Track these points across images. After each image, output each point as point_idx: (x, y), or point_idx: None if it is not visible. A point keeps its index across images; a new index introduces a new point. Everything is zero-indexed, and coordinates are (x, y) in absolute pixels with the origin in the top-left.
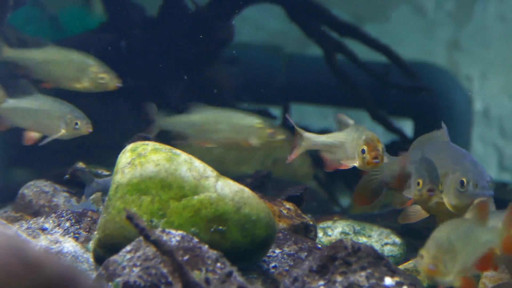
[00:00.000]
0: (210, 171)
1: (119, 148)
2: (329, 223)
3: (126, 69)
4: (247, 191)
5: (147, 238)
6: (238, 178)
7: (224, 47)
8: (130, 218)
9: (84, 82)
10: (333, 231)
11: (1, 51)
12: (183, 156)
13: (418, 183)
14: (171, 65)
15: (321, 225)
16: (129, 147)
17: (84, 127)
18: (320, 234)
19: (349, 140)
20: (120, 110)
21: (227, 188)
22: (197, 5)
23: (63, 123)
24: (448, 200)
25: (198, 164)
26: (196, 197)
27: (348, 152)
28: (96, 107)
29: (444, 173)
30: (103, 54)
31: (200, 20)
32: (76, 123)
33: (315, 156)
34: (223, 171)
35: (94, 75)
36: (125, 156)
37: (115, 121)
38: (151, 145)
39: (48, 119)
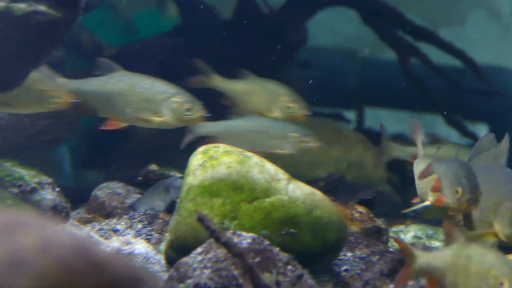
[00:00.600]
0: (281, 174)
1: (191, 151)
2: (402, 227)
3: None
4: (318, 194)
5: (217, 240)
6: (311, 181)
7: (297, 50)
8: (201, 220)
9: (275, 112)
10: (405, 235)
11: (212, 80)
12: (255, 158)
13: (457, 191)
14: (244, 67)
15: (393, 229)
16: (201, 149)
17: (198, 112)
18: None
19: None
20: None
21: (299, 191)
22: (271, 8)
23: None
24: (502, 229)
25: (270, 166)
26: (267, 199)
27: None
28: None
29: (499, 200)
30: (175, 56)
31: (273, 23)
32: (188, 109)
33: (389, 161)
34: (297, 174)
35: (283, 104)
36: (197, 158)
37: None
38: (222, 147)
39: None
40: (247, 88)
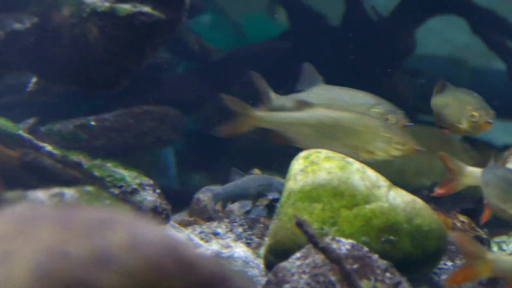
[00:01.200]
0: (382, 181)
1: (294, 155)
2: (505, 237)
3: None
4: (419, 202)
5: (315, 245)
6: (416, 190)
7: (405, 58)
8: (299, 224)
9: (463, 123)
10: (508, 245)
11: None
12: (356, 165)
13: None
14: (352, 73)
15: (496, 239)
16: (302, 154)
17: (399, 121)
18: (495, 248)
19: None
20: None
21: (399, 198)
22: (380, 15)
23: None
24: None
25: (371, 173)
26: (367, 206)
27: None
28: None
29: None
30: (283, 61)
31: (382, 30)
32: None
33: None
34: (402, 183)
35: (469, 113)
36: (298, 163)
37: None
38: (324, 152)
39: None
40: (445, 101)
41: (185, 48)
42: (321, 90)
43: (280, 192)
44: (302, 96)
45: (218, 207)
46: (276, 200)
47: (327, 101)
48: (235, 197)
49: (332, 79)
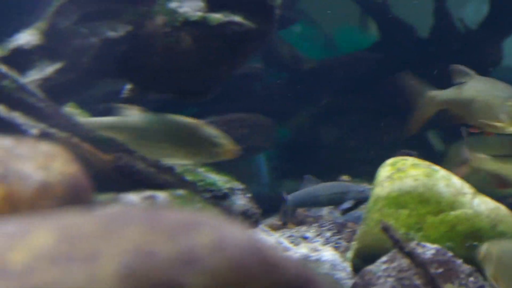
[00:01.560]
0: (467, 188)
1: (381, 163)
2: None
3: (395, 86)
4: (503, 209)
5: (401, 249)
6: (502, 198)
7: (491, 69)
8: (385, 229)
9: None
10: None
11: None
12: (441, 172)
13: None
14: (438, 84)
15: None
16: (389, 161)
17: None
18: None
19: None
20: (386, 126)
21: (483, 205)
22: (468, 27)
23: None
24: None
25: (455, 180)
26: (452, 212)
27: None
28: (365, 123)
29: None
30: (373, 72)
31: (469, 42)
32: None
33: None
34: (488, 191)
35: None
36: (385, 170)
37: (381, 136)
38: (410, 160)
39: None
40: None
41: (277, 57)
42: (476, 83)
43: (356, 200)
44: (462, 87)
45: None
46: (349, 209)
47: (476, 94)
48: (304, 204)
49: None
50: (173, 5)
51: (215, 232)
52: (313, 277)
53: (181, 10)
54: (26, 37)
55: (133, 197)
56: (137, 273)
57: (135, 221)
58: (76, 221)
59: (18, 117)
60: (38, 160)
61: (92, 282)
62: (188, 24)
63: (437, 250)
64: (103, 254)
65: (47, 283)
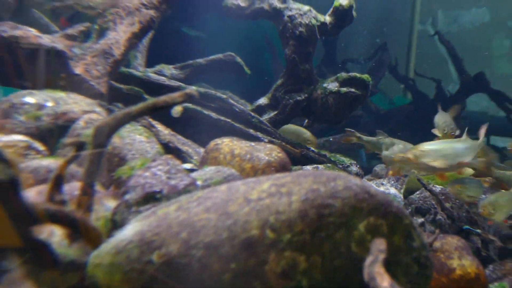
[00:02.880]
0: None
1: None
2: None
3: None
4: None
5: (425, 188)
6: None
7: None
8: (418, 180)
9: None
10: None
11: None
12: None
13: None
14: None
15: None
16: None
17: None
18: None
19: None
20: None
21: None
22: None
23: None
24: None
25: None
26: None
27: None
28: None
29: None
30: (409, 115)
31: None
32: None
33: None
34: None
35: None
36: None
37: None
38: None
39: None
40: None
41: (368, 108)
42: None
43: None
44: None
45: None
46: None
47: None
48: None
49: None
50: (324, 84)
51: (345, 181)
52: (391, 200)
53: (328, 86)
54: (262, 100)
55: (308, 167)
56: (309, 200)
57: (309, 176)
58: (283, 177)
59: (259, 134)
60: (265, 151)
61: (291, 204)
62: (332, 93)
63: (441, 188)
64: (294, 191)
65: (268, 204)
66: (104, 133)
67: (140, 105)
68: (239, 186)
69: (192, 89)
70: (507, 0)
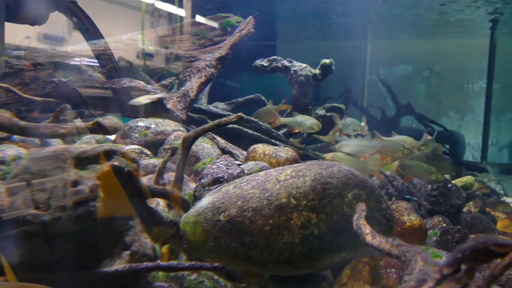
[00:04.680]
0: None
1: None
2: None
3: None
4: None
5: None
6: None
7: None
8: (382, 172)
9: None
10: None
11: None
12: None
13: None
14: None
15: None
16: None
17: None
18: None
19: None
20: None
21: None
22: None
23: None
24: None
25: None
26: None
27: None
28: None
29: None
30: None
31: None
32: None
33: None
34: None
35: None
36: None
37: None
38: None
39: None
40: None
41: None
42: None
43: None
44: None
45: None
46: None
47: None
48: None
49: None
50: (316, 111)
51: (338, 167)
52: (366, 178)
53: (318, 112)
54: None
55: (310, 162)
56: (317, 179)
57: (315, 165)
58: (299, 165)
59: (277, 142)
60: (284, 151)
61: (305, 182)
62: (321, 116)
63: (391, 173)
64: (307, 174)
65: (291, 182)
66: (188, 142)
67: (210, 124)
68: (272, 172)
69: (240, 114)
70: (422, 60)
